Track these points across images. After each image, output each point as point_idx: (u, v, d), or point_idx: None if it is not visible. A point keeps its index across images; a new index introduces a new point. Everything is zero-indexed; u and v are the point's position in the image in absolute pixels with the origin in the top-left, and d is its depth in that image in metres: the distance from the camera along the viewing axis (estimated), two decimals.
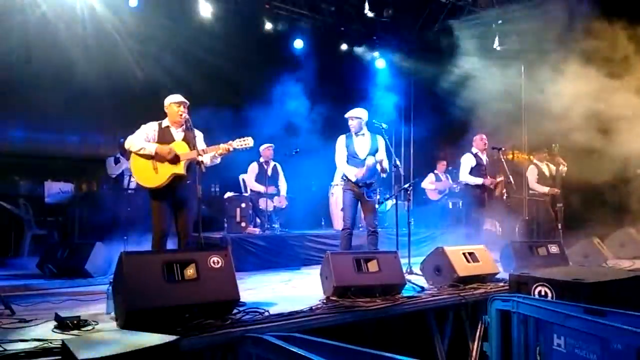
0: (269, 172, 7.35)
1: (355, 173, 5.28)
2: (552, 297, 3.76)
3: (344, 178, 5.45)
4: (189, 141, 4.33)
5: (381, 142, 5.46)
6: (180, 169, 4.26)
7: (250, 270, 5.69)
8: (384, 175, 5.48)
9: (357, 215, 5.60)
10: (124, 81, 7.54)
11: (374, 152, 5.36)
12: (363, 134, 5.42)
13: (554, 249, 5.40)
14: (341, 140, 5.47)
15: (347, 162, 5.38)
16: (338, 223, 7.83)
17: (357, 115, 5.39)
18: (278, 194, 7.39)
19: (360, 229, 7.08)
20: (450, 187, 8.75)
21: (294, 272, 5.84)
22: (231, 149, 4.32)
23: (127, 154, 7.23)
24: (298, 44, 9.69)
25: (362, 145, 5.38)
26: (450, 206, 8.68)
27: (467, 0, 9.03)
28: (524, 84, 9.87)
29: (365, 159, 5.31)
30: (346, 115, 5.47)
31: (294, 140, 7.98)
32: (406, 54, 11.38)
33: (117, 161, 7.30)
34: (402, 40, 11.03)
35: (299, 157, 7.46)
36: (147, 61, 7.84)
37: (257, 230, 6.83)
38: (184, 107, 4.36)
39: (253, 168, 7.41)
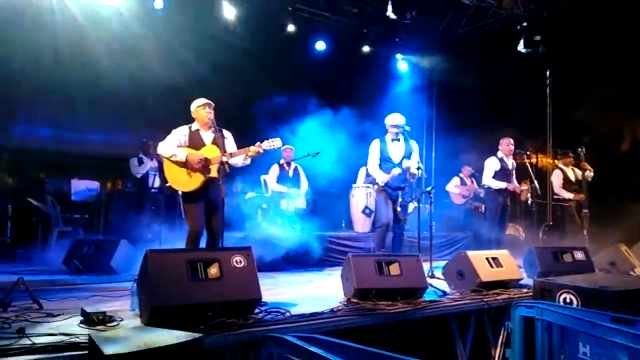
0: (290, 174, 7.38)
1: (382, 179, 5.43)
2: (577, 305, 3.69)
3: (376, 182, 5.58)
4: (219, 143, 4.40)
5: (415, 147, 5.58)
6: (213, 172, 4.34)
7: (270, 271, 5.71)
8: (413, 181, 5.56)
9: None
10: (149, 82, 7.67)
11: (408, 156, 5.48)
12: (398, 140, 5.53)
13: (579, 255, 5.28)
14: (375, 144, 5.58)
15: (380, 166, 5.51)
16: (359, 225, 7.81)
17: (400, 123, 5.48)
18: (298, 195, 7.41)
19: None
20: (475, 192, 8.64)
21: (314, 273, 5.85)
22: (261, 151, 4.37)
23: (149, 154, 7.37)
24: (320, 45, 9.71)
25: (397, 150, 5.51)
26: (473, 210, 8.58)
27: (492, 2, 8.92)
28: (550, 86, 9.73)
29: (399, 163, 5.46)
30: (390, 123, 5.52)
31: (315, 141, 7.99)
32: (429, 56, 11.31)
33: (140, 161, 7.41)
34: (425, 42, 10.96)
35: (320, 159, 7.47)
36: (172, 62, 7.95)
37: (278, 231, 6.85)
38: (210, 107, 4.43)
39: (274, 170, 7.45)
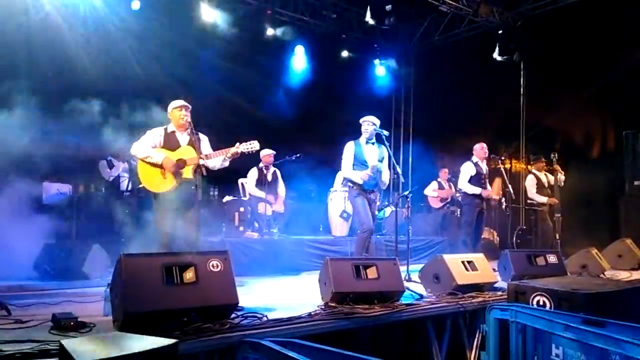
0: (269, 178, 7.34)
1: (361, 176, 5.21)
2: (550, 307, 3.76)
3: (350, 184, 5.38)
4: (195, 145, 4.35)
5: (386, 154, 5.47)
6: (188, 173, 4.30)
7: (248, 275, 5.66)
8: (383, 187, 5.49)
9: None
10: (126, 83, 7.54)
11: (380, 161, 5.40)
12: (373, 142, 5.42)
13: (552, 258, 5.39)
14: (350, 146, 5.41)
15: (353, 168, 5.34)
16: (336, 229, 7.82)
17: (374, 121, 5.38)
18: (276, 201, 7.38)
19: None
20: (453, 196, 8.74)
21: (292, 278, 5.82)
22: (239, 152, 4.35)
23: (119, 156, 7.23)
24: (299, 50, 9.73)
25: (372, 153, 5.38)
26: (449, 214, 8.68)
27: (468, 9, 9.09)
28: (524, 93, 9.95)
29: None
30: (363, 120, 5.42)
31: (294, 145, 7.98)
32: (407, 61, 11.45)
33: (110, 165, 7.25)
34: (402, 48, 11.09)
35: (298, 163, 7.48)
36: (150, 64, 7.85)
37: (256, 235, 6.81)
38: (186, 110, 4.41)
39: (253, 173, 7.40)
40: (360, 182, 5.22)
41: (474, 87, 9.59)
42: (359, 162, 5.33)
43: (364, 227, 5.30)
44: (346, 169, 5.40)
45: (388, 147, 5.47)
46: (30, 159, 7.54)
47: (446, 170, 9.07)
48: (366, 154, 5.35)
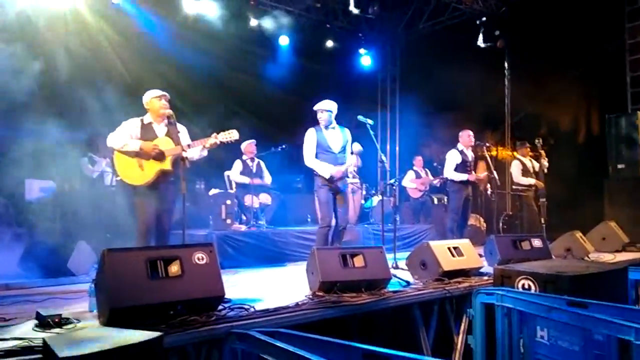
0: (254, 169, 7.31)
1: (331, 171, 5.05)
2: (535, 290, 3.80)
3: (315, 174, 5.18)
4: (173, 136, 4.28)
5: (349, 136, 5.33)
6: (167, 165, 4.23)
7: (235, 267, 5.66)
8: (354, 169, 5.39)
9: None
10: (107, 78, 7.44)
11: (345, 145, 5.26)
12: (333, 127, 5.23)
13: (537, 242, 5.44)
14: (311, 133, 5.16)
15: (318, 156, 5.13)
16: None
17: (327, 107, 5.18)
18: (265, 189, 7.35)
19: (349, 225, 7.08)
20: (430, 183, 8.74)
21: (279, 269, 5.82)
22: (218, 142, 4.28)
23: (99, 151, 7.15)
24: (283, 40, 9.66)
25: (335, 138, 5.20)
26: (435, 202, 8.72)
27: None
28: (508, 80, 10.00)
29: (339, 152, 5.20)
30: (315, 108, 5.23)
31: (280, 136, 7.96)
32: (391, 50, 11.43)
33: (92, 162, 7.17)
34: (387, 37, 11.07)
35: (284, 153, 7.46)
36: (131, 58, 7.75)
37: (243, 227, 6.80)
38: (165, 100, 4.31)
39: (237, 165, 7.37)
40: (328, 176, 5.06)
41: (459, 74, 9.59)
42: (323, 150, 5.13)
43: (323, 221, 5.16)
44: (308, 157, 5.15)
45: (373, 134, 5.40)
46: (13, 156, 7.46)
47: (420, 157, 9.03)
48: (329, 139, 5.16)
